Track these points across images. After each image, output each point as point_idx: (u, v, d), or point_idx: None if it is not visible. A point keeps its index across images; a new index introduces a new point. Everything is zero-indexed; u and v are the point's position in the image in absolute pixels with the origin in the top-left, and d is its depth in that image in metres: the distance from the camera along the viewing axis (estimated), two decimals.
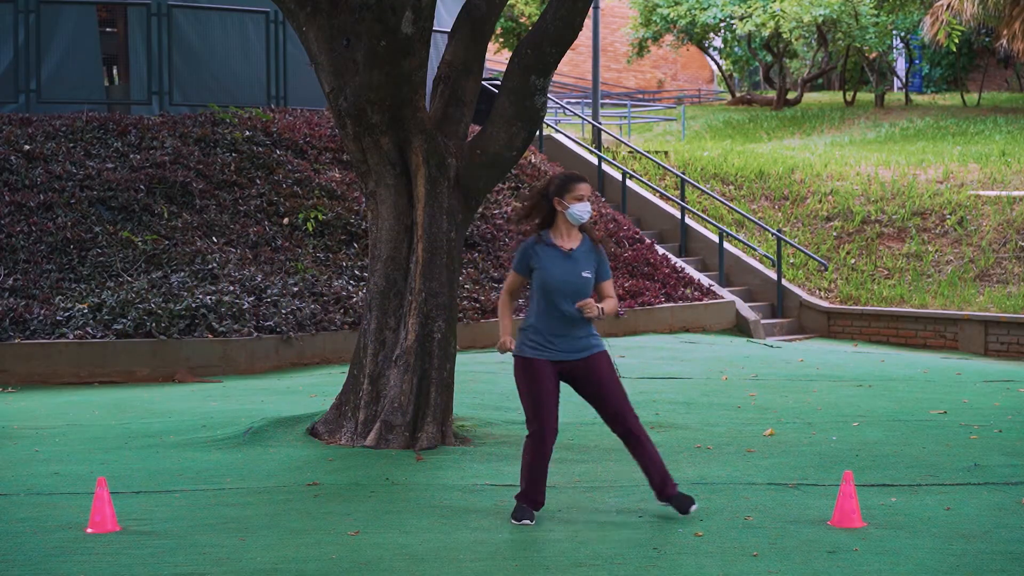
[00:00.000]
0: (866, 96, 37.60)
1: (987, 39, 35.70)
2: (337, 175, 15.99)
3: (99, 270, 13.11)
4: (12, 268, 12.93)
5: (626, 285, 16.35)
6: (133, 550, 5.63)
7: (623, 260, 17.15)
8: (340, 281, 13.90)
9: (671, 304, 16.48)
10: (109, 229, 13.62)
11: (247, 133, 15.99)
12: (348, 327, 13.10)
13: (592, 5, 14.12)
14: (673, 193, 20.76)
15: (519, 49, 8.20)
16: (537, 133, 19.74)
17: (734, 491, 6.73)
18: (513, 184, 17.80)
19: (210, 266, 13.37)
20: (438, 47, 16.97)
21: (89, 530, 5.95)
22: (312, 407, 9.28)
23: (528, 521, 6.09)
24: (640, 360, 12.82)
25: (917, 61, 40.28)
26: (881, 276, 18.43)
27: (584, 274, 6.11)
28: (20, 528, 6.04)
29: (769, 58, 39.84)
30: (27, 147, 14.62)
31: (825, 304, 17.85)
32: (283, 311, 12.83)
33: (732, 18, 37.53)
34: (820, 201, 20.70)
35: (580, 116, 25.68)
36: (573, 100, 36.38)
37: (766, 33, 36.18)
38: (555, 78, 39.87)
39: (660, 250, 18.18)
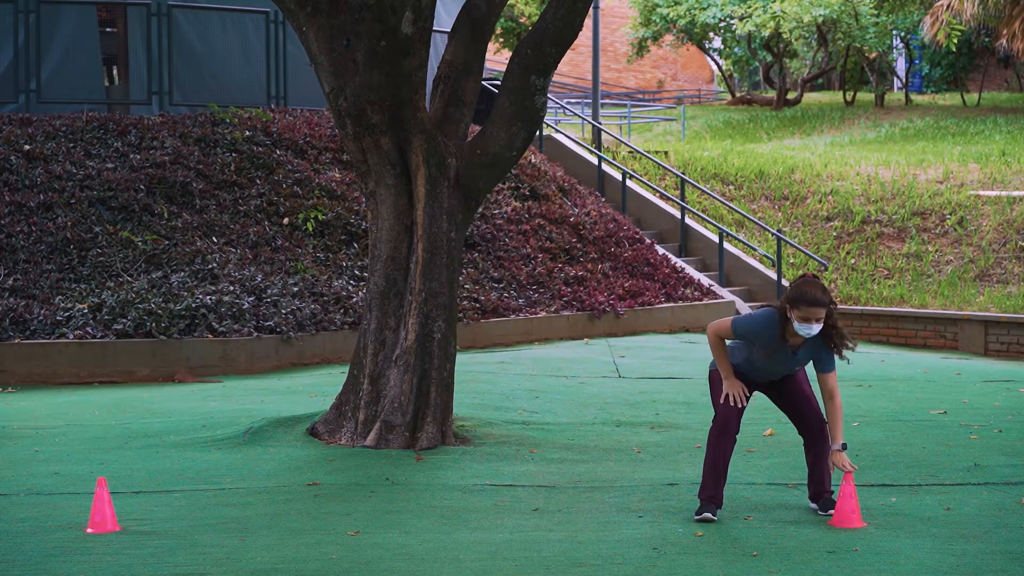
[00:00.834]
0: (866, 96, 37.62)
1: (987, 39, 35.72)
2: (337, 175, 15.98)
3: (99, 270, 13.10)
4: (12, 268, 12.93)
5: (626, 285, 16.36)
6: (133, 550, 5.63)
7: (623, 260, 17.16)
8: (340, 281, 13.90)
9: (671, 304, 16.48)
10: (109, 229, 13.61)
11: (247, 133, 15.98)
12: (348, 327, 13.10)
13: (592, 5, 14.12)
14: (673, 193, 20.76)
15: (519, 49, 8.20)
16: (537, 133, 19.74)
17: (734, 491, 6.72)
18: (513, 184, 17.79)
19: (210, 266, 13.36)
20: (438, 47, 16.97)
21: (89, 530, 5.95)
22: (312, 407, 9.27)
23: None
24: (640, 360, 12.82)
25: (917, 61, 40.29)
26: (881, 276, 18.43)
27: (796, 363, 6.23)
28: (20, 528, 6.04)
29: (769, 58, 39.85)
30: (27, 147, 14.61)
31: None
32: (283, 311, 12.83)
33: (732, 18, 37.54)
34: (820, 201, 20.70)
35: (580, 116, 25.66)
36: (573, 100, 36.38)
37: (766, 33, 36.18)
38: (555, 78, 39.86)
39: (660, 250, 18.18)
